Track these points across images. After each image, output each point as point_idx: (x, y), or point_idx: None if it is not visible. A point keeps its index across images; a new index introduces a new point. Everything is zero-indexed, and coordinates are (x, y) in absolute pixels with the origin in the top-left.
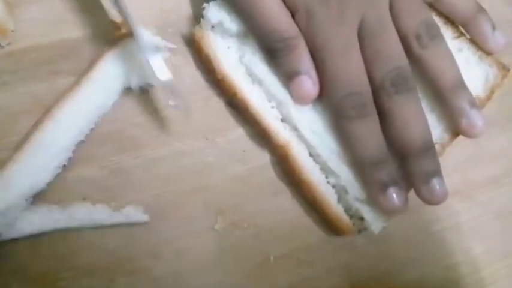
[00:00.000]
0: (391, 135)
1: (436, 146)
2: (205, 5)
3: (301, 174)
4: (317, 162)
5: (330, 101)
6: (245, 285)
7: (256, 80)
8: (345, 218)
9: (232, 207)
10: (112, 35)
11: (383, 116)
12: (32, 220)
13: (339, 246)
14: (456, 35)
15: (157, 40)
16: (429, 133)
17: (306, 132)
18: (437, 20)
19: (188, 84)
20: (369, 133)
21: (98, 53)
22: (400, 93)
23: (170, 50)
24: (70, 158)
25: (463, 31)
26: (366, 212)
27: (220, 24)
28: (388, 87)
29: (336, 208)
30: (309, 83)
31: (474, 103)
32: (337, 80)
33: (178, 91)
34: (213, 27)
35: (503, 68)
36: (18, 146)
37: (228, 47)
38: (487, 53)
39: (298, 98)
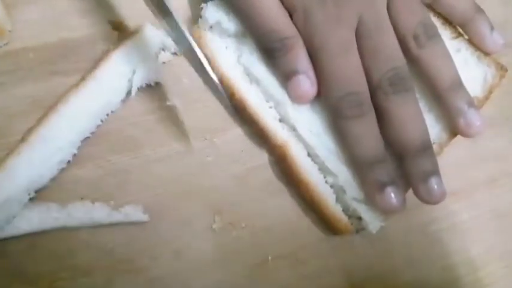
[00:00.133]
0: (389, 135)
1: (434, 146)
2: (203, 5)
3: (299, 174)
4: (315, 162)
5: (328, 101)
6: (243, 285)
7: (254, 80)
8: (343, 218)
9: (230, 207)
10: (112, 34)
11: (381, 115)
12: (30, 218)
13: (337, 246)
14: (454, 35)
15: (166, 39)
16: (427, 133)
17: (304, 132)
18: (436, 21)
19: (186, 84)
20: (366, 133)
21: (97, 53)
22: (398, 93)
23: (176, 50)
24: (75, 155)
25: (461, 32)
26: (363, 211)
27: (218, 24)
28: (385, 87)
29: (334, 208)
30: (306, 83)
31: (472, 103)
32: (335, 80)
33: (177, 91)
34: (211, 27)
35: (502, 68)
36: (22, 139)
37: (226, 47)
38: (485, 53)
39: (296, 98)
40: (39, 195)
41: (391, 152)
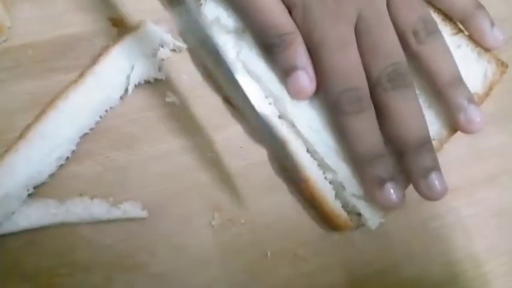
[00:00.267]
0: (389, 131)
1: (434, 142)
2: (202, 1)
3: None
4: (315, 159)
5: (327, 97)
6: (243, 282)
7: (253, 76)
8: (342, 214)
9: (229, 204)
10: (111, 31)
11: (380, 111)
12: (29, 214)
13: (336, 242)
14: (454, 31)
15: (165, 36)
16: (426, 129)
17: (303, 128)
18: (436, 17)
19: (186, 80)
20: (365, 128)
21: (96, 50)
22: (397, 89)
23: (177, 47)
24: (74, 151)
25: (462, 28)
26: (363, 208)
27: (218, 20)
28: (384, 83)
29: (333, 204)
30: (305, 79)
31: (472, 99)
32: (334, 75)
33: (176, 88)
34: (210, 23)
35: (502, 65)
36: (20, 136)
37: (225, 43)
38: (486, 49)
39: (295, 94)
40: (37, 191)
41: (390, 148)
